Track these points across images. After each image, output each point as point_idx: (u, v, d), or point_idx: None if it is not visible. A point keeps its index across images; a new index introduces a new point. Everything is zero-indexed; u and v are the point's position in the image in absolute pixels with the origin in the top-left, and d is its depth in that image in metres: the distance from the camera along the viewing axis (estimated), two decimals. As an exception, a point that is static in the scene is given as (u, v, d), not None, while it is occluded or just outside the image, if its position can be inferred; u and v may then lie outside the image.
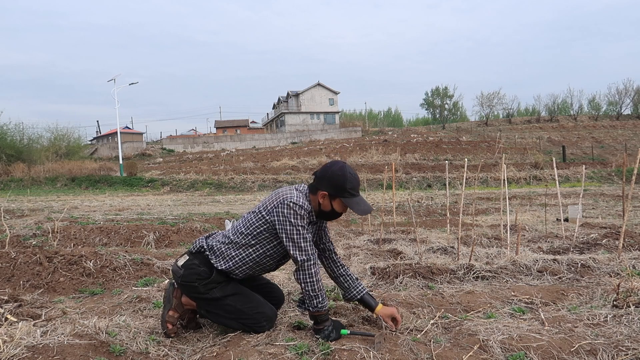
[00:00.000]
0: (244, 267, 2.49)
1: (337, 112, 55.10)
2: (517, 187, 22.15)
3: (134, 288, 3.52)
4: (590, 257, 4.07)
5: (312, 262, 2.34)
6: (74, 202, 15.45)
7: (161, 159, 38.50)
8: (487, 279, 3.65)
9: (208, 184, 24.33)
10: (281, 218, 2.35)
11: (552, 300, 3.03)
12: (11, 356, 1.98)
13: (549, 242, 5.52)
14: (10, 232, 5.15)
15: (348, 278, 2.62)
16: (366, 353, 2.11)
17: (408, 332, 2.43)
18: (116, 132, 35.80)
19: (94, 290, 3.49)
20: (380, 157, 31.07)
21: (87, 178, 26.06)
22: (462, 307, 2.93)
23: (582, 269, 3.81)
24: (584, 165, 7.38)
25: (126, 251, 4.56)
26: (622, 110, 50.19)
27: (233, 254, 2.47)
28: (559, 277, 3.65)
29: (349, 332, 2.35)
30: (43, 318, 2.70)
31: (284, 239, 2.36)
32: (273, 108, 62.56)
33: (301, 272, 2.35)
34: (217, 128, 64.44)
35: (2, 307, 2.72)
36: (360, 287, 2.60)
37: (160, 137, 53.90)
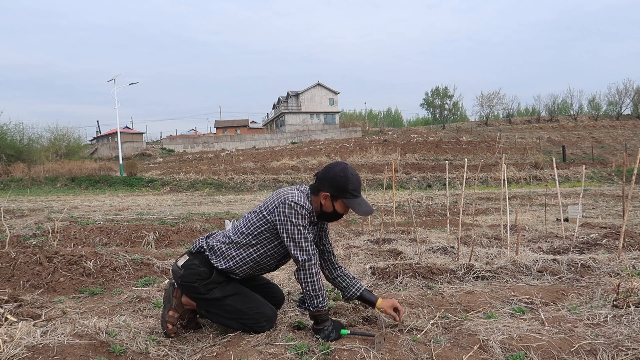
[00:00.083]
0: (244, 267, 2.49)
1: (337, 112, 55.10)
2: (517, 187, 22.15)
3: (134, 288, 3.52)
4: (590, 257, 4.07)
5: (313, 262, 2.35)
6: (74, 202, 15.45)
7: (161, 159, 38.50)
8: (487, 279, 3.65)
9: (208, 184, 24.34)
10: (282, 218, 2.35)
11: (552, 300, 3.03)
12: (11, 356, 1.98)
13: (549, 242, 5.52)
14: (10, 232, 5.15)
15: (345, 277, 2.64)
16: (366, 353, 2.11)
17: (408, 332, 2.44)
18: (116, 132, 35.80)
19: (94, 290, 3.49)
20: (380, 157, 31.07)
21: (87, 178, 26.06)
22: (462, 307, 2.93)
23: (582, 269, 3.81)
24: (584, 165, 7.38)
25: (126, 251, 4.56)
26: (622, 110, 50.24)
27: (234, 253, 2.47)
28: (559, 277, 3.65)
29: (349, 332, 2.35)
30: (43, 318, 2.70)
31: (285, 239, 2.36)
32: (273, 108, 62.57)
33: (302, 272, 2.35)
34: (217, 128, 64.46)
35: (2, 307, 2.73)
36: (358, 285, 2.62)
37: (160, 137, 53.93)
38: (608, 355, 2.07)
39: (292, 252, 2.36)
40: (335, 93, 55.31)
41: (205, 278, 2.45)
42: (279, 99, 59.25)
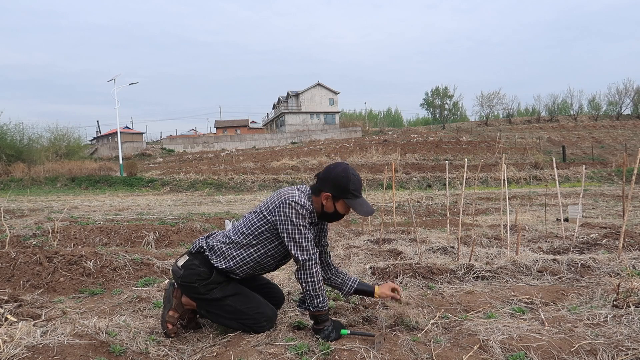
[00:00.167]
0: (244, 267, 2.49)
1: (337, 112, 55.10)
2: (517, 187, 22.15)
3: (134, 288, 3.52)
4: (590, 257, 4.07)
5: (313, 262, 2.35)
6: (74, 202, 15.45)
7: (161, 159, 38.50)
8: (487, 279, 3.65)
9: (208, 184, 24.34)
10: (283, 217, 2.35)
11: (552, 300, 3.03)
12: (11, 356, 1.98)
13: (549, 242, 5.52)
14: (10, 232, 5.15)
15: (339, 274, 2.69)
16: (366, 353, 2.11)
17: (408, 332, 2.44)
18: (116, 132, 35.80)
19: (94, 290, 3.49)
20: (380, 157, 31.06)
21: (87, 178, 26.06)
22: (462, 307, 2.93)
23: (582, 269, 3.81)
24: (584, 165, 7.38)
25: (126, 251, 4.56)
26: (622, 110, 50.24)
27: (234, 253, 2.47)
28: (559, 277, 3.65)
29: (349, 332, 2.35)
30: (43, 318, 2.70)
31: (286, 239, 2.37)
32: (273, 108, 62.57)
33: (302, 272, 2.35)
34: (217, 128, 64.46)
35: (2, 307, 2.73)
36: (352, 279, 2.69)
37: (160, 137, 53.93)
38: (608, 355, 2.07)
39: (293, 252, 2.36)
40: (335, 93, 55.31)
41: (205, 278, 2.45)
42: (279, 99, 59.25)
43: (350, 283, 2.66)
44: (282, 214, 2.36)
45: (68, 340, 2.18)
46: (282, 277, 3.80)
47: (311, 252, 2.36)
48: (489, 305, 2.94)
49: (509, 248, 4.51)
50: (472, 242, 4.60)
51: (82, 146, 39.85)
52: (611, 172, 25.73)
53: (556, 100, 50.78)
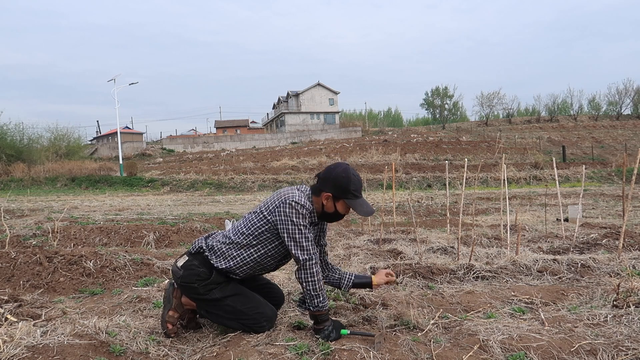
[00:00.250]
0: (244, 267, 2.49)
1: (337, 112, 55.10)
2: (517, 187, 22.15)
3: (134, 288, 3.52)
4: (590, 257, 4.07)
5: (313, 262, 2.35)
6: (74, 202, 15.45)
7: (161, 159, 38.50)
8: (487, 279, 3.65)
9: (208, 184, 24.34)
10: (283, 217, 2.36)
11: (552, 300, 3.03)
12: (11, 356, 1.98)
13: (549, 242, 5.52)
14: (10, 232, 5.15)
15: (336, 271, 2.72)
16: (366, 353, 2.11)
17: (408, 332, 2.44)
18: (116, 132, 35.80)
19: (94, 290, 3.49)
20: (380, 157, 31.07)
21: (87, 178, 26.06)
22: (462, 307, 2.93)
23: (582, 269, 3.81)
24: (584, 165, 7.38)
25: (126, 251, 4.56)
26: (622, 110, 50.23)
27: (234, 254, 2.47)
28: (559, 277, 3.65)
29: (349, 332, 2.35)
30: (43, 318, 2.70)
31: (286, 239, 2.37)
32: (273, 108, 62.56)
33: (302, 272, 2.35)
34: (217, 128, 64.45)
35: (2, 307, 2.73)
36: (349, 273, 2.73)
37: (160, 137, 53.92)
38: (608, 355, 2.07)
39: (293, 251, 2.36)
40: (335, 93, 55.31)
41: (204, 279, 2.45)
42: (279, 99, 59.24)
43: (347, 278, 2.70)
44: (282, 213, 2.36)
45: (68, 340, 2.18)
46: (282, 277, 3.80)
47: (312, 251, 2.36)
48: (489, 305, 2.94)
49: (509, 248, 4.51)
50: (472, 242, 4.60)
51: (82, 146, 39.87)
52: (611, 172, 25.73)
53: (556, 100, 50.84)
